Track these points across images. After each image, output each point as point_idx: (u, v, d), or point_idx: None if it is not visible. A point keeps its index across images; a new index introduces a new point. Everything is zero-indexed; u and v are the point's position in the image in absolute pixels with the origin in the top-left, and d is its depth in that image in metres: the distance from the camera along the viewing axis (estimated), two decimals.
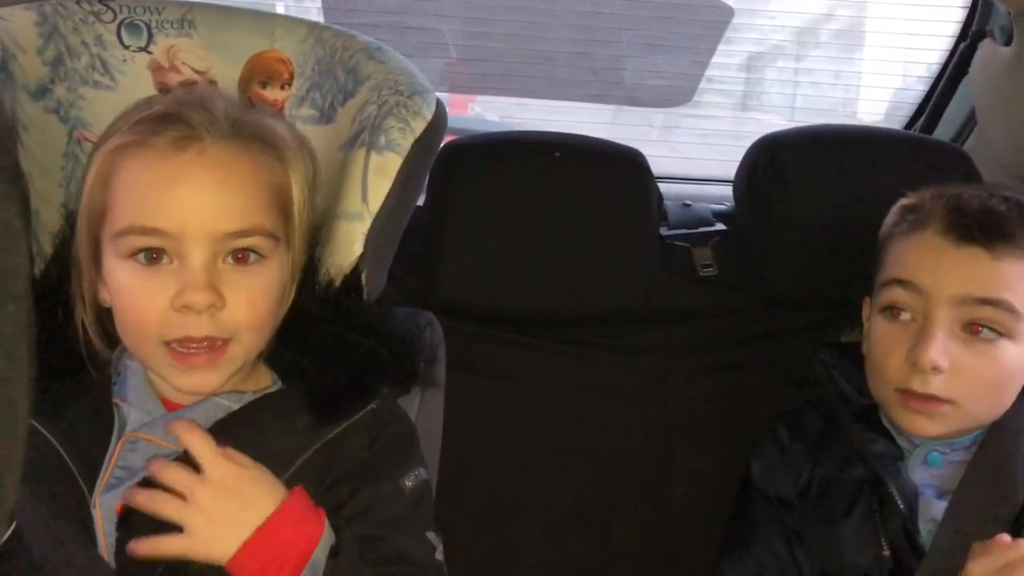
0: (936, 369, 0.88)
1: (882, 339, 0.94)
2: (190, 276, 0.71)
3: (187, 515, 0.69)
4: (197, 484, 0.70)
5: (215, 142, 0.73)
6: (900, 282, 0.93)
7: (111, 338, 0.79)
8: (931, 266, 0.91)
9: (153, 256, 0.72)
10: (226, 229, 0.72)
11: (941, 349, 0.88)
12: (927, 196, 0.96)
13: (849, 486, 0.97)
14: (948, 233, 0.91)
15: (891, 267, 0.96)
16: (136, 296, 0.72)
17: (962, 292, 0.89)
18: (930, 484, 0.94)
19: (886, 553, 0.92)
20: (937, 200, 0.94)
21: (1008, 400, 0.93)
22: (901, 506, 0.91)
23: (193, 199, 0.72)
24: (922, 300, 0.91)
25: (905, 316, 0.93)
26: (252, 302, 0.74)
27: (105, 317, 0.78)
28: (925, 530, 0.91)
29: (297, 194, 0.78)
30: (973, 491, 0.90)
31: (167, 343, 0.73)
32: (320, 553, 0.71)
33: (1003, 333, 0.89)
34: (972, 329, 0.89)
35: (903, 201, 0.99)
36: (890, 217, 1.00)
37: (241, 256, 0.74)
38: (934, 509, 0.91)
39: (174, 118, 0.74)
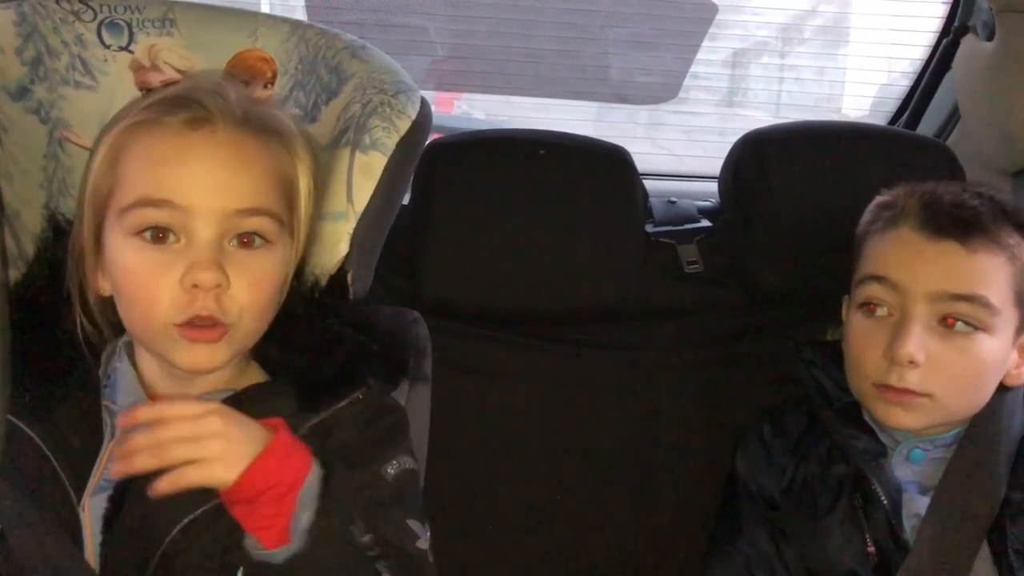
0: (913, 363, 0.89)
1: (860, 335, 0.95)
2: (198, 254, 0.71)
3: (201, 449, 0.66)
4: (209, 411, 0.67)
5: (226, 126, 0.74)
6: (877, 278, 0.93)
7: (114, 327, 0.78)
8: (907, 262, 0.92)
9: (160, 235, 0.72)
10: (235, 207, 0.72)
11: (918, 343, 0.89)
12: (902, 193, 0.97)
13: (832, 483, 0.97)
14: (923, 229, 0.92)
15: (868, 264, 0.96)
16: (144, 274, 0.72)
17: (938, 288, 0.89)
18: (913, 481, 0.95)
19: (871, 549, 0.92)
20: (911, 196, 0.95)
21: (985, 394, 0.93)
22: (884, 502, 0.92)
23: (203, 175, 0.72)
24: (899, 296, 0.91)
25: (882, 312, 0.93)
26: (256, 286, 0.74)
27: (100, 309, 0.78)
28: (909, 526, 0.92)
29: (303, 184, 0.79)
30: (955, 487, 0.90)
31: (176, 324, 0.72)
32: (312, 480, 0.69)
33: (979, 327, 0.90)
34: (947, 323, 0.90)
35: (879, 198, 0.99)
36: (866, 214, 1.00)
37: (247, 240, 0.74)
38: (917, 505, 0.92)
39: (188, 100, 0.74)
